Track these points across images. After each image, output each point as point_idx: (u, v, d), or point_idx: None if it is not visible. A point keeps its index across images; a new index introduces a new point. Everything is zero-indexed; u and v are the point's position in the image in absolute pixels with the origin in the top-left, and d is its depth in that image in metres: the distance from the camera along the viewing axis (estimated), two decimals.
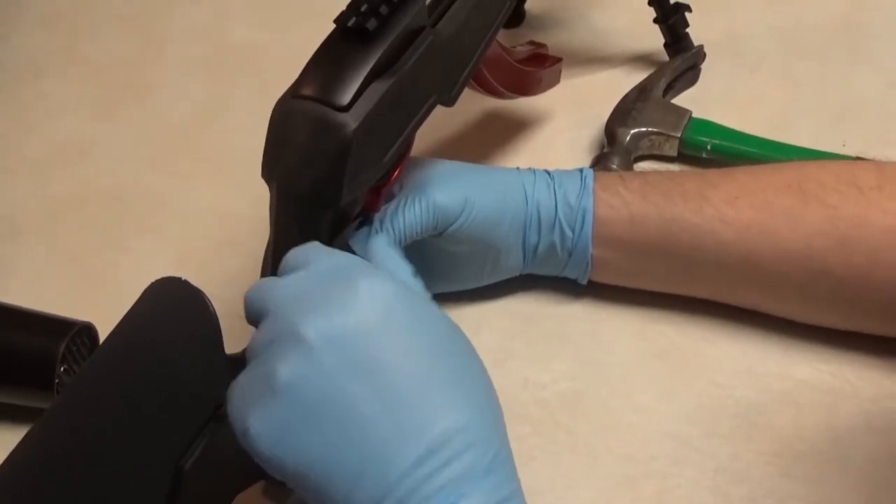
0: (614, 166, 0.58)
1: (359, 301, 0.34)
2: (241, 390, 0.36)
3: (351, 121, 0.41)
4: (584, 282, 0.53)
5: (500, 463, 0.35)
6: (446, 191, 0.49)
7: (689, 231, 0.49)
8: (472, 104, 0.66)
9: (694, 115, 0.62)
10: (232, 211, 0.63)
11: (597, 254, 0.51)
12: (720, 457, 0.47)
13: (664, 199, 0.49)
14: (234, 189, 0.64)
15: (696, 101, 0.64)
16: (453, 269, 0.53)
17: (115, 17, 0.80)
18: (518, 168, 0.53)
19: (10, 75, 0.75)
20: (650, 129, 0.61)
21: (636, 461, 0.48)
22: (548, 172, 0.52)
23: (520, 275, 0.54)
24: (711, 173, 0.51)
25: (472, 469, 0.33)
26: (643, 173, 0.52)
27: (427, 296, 0.41)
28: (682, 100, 0.65)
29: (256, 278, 0.47)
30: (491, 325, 0.54)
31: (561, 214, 0.50)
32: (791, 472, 0.46)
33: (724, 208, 0.48)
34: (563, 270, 0.53)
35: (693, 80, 0.67)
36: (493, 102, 0.66)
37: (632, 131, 0.60)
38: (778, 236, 0.48)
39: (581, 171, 0.52)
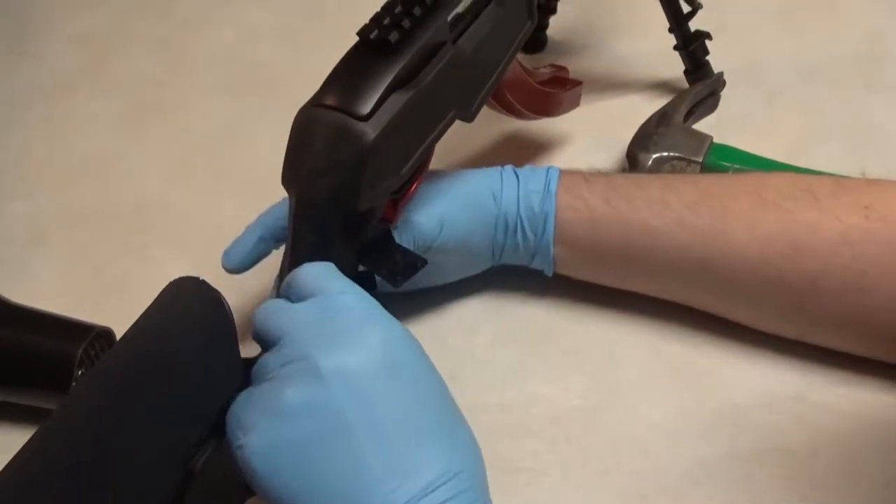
0: None
1: (370, 343, 0.37)
2: (243, 406, 0.37)
3: (370, 130, 0.42)
4: (550, 274, 0.54)
5: None
6: (423, 215, 0.50)
7: (649, 235, 0.50)
8: (492, 125, 0.67)
9: (714, 140, 0.62)
10: None
11: (558, 252, 0.52)
12: (735, 477, 0.47)
13: (627, 204, 0.50)
14: (254, 205, 0.63)
15: (715, 127, 0.64)
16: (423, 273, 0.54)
17: (144, 37, 0.82)
18: (486, 170, 0.54)
19: (41, 92, 0.77)
20: (672, 153, 0.61)
21: (650, 478, 0.47)
22: (516, 174, 0.53)
23: (491, 268, 0.56)
24: (676, 179, 0.52)
25: None
26: (608, 176, 0.53)
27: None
28: (701, 126, 0.65)
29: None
30: (506, 340, 0.54)
31: (524, 219, 0.52)
32: (807, 496, 0.46)
33: (685, 213, 0.49)
34: (529, 264, 0.54)
35: (713, 107, 0.67)
36: (512, 124, 0.67)
37: (653, 156, 0.61)
38: (734, 241, 0.48)
39: (547, 171, 0.53)
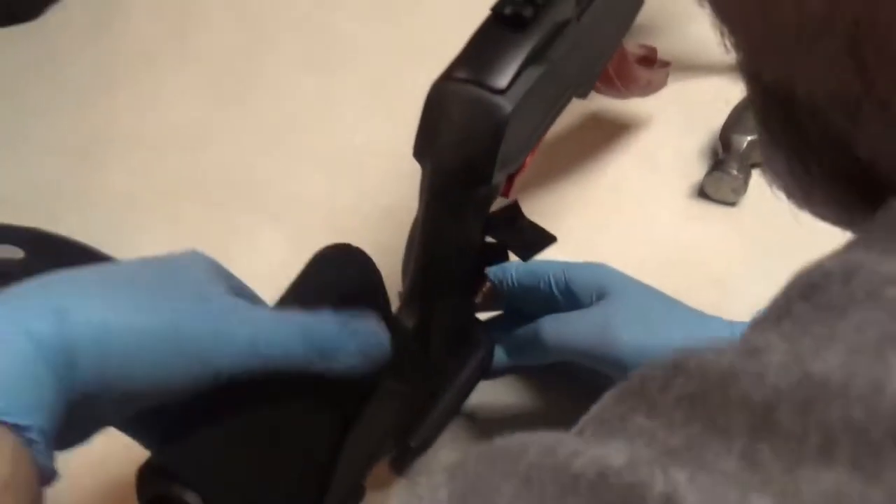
0: (734, 172, 0.59)
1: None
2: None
3: (507, 103, 0.43)
4: None
5: None
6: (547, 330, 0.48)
7: None
8: (577, 102, 0.68)
9: None
10: (340, 200, 0.64)
11: None
12: None
13: None
14: (341, 180, 0.66)
15: None
16: None
17: (221, 6, 0.82)
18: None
19: (124, 64, 0.78)
20: None
21: None
22: None
23: None
24: None
25: None
26: None
27: None
28: None
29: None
30: None
31: None
32: None
33: None
34: None
35: None
36: (599, 104, 0.68)
37: (748, 138, 0.61)
38: None
39: None
